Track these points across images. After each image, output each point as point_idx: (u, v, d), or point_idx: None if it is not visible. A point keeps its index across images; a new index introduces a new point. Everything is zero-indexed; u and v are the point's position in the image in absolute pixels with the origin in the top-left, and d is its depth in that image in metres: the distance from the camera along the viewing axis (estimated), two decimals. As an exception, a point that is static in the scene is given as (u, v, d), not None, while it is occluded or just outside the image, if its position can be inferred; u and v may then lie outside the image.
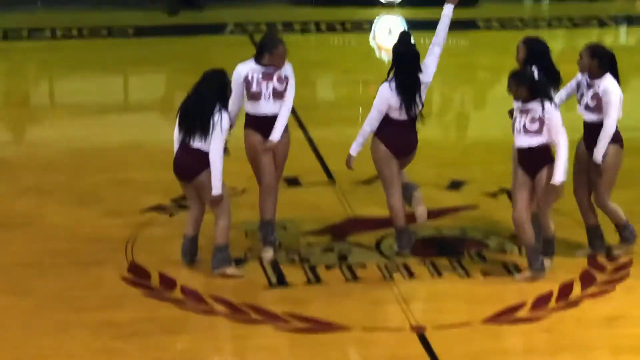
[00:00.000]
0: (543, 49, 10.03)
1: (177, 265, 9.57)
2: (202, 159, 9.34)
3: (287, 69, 9.79)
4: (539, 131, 9.28)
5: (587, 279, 9.43)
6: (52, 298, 9.07)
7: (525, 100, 9.32)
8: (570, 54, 15.93)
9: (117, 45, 15.73)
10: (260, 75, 9.72)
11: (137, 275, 9.44)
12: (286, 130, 9.84)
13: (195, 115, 9.37)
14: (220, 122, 9.27)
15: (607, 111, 9.71)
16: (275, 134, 9.70)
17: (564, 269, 9.57)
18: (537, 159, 9.33)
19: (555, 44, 16.53)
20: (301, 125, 12.62)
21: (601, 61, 9.75)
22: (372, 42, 14.84)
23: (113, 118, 13.04)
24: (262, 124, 9.68)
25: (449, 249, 9.96)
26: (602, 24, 17.09)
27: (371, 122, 9.79)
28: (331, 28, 16.54)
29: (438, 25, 10.11)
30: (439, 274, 9.53)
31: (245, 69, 9.77)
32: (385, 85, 9.71)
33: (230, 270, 9.50)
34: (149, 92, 13.90)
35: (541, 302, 9.08)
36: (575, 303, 9.09)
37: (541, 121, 9.27)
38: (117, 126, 12.79)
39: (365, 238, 10.12)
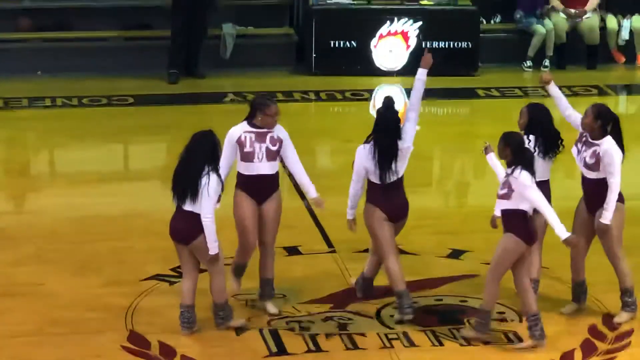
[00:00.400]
0: (544, 116, 10.19)
1: (177, 333, 9.60)
2: (197, 221, 9.43)
3: (281, 131, 9.93)
4: (507, 196, 9.45)
5: (588, 348, 9.47)
6: (52, 367, 9.14)
7: (509, 163, 9.47)
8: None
9: (117, 113, 15.76)
10: (254, 136, 9.82)
11: (137, 344, 9.46)
12: (278, 191, 9.96)
13: (185, 178, 9.48)
14: (208, 184, 9.34)
15: (611, 171, 9.88)
16: (311, 191, 10.04)
17: (564, 337, 9.61)
18: (504, 223, 9.45)
19: (555, 112, 16.57)
20: (301, 194, 12.64)
21: (604, 124, 9.88)
22: (371, 111, 14.91)
23: (113, 187, 13.07)
24: (254, 184, 9.77)
25: (449, 317, 9.97)
26: (601, 92, 17.17)
27: (353, 184, 9.97)
28: (331, 96, 16.61)
29: (412, 90, 10.21)
30: (440, 343, 9.55)
31: (238, 131, 9.91)
32: (361, 147, 9.88)
33: (234, 322, 9.62)
34: (149, 160, 13.94)
35: (542, 371, 9.14)
36: (576, 372, 9.16)
37: (509, 187, 9.41)
38: (117, 195, 12.81)
39: (365, 307, 10.12)
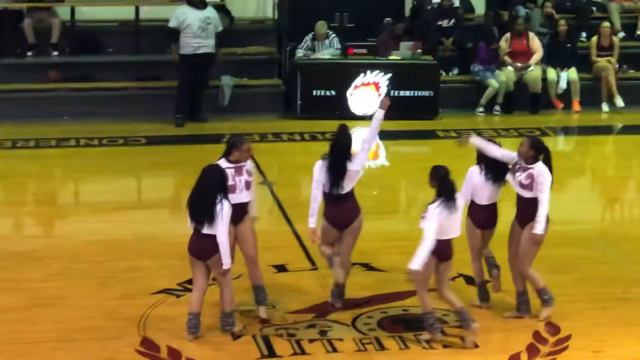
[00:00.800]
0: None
1: (183, 339, 9.58)
2: (214, 242, 9.45)
3: (249, 164, 10.02)
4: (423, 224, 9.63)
5: (532, 351, 9.45)
6: (76, 368, 9.13)
7: (435, 192, 9.64)
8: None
9: (132, 152, 15.78)
10: (233, 171, 9.85)
11: (149, 348, 9.44)
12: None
13: (202, 207, 9.48)
14: (222, 210, 9.39)
15: (543, 190, 9.85)
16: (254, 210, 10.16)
17: (513, 341, 9.61)
18: None
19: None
20: (288, 221, 12.66)
21: (537, 153, 9.93)
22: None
23: (128, 214, 13.07)
24: (235, 212, 9.73)
25: (414, 325, 9.94)
26: (543, 133, 17.20)
27: (312, 192, 10.11)
28: (313, 137, 16.64)
29: (370, 126, 10.23)
30: (406, 346, 9.55)
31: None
32: (319, 162, 10.06)
33: (236, 329, 9.67)
34: (158, 192, 13.95)
35: (493, 370, 9.15)
36: (522, 371, 9.16)
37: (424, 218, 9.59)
38: (131, 221, 12.81)
39: (343, 316, 10.10)
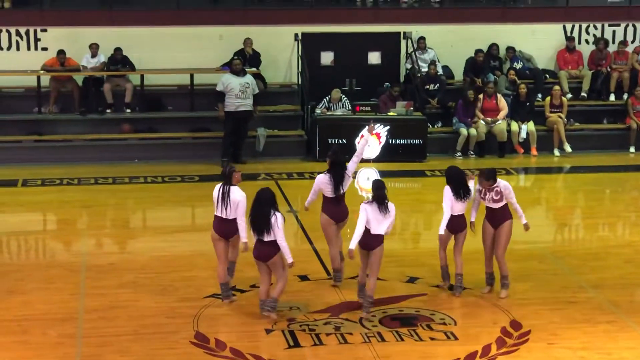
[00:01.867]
0: (455, 173, 10.93)
1: (227, 333, 9.64)
2: (273, 246, 9.74)
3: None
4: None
5: (500, 343, 9.44)
6: (144, 356, 9.13)
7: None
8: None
9: (187, 187, 15.75)
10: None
11: (200, 340, 9.48)
12: None
13: (261, 221, 9.78)
14: (277, 221, 9.77)
15: (512, 196, 10.68)
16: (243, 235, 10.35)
17: (484, 335, 9.60)
18: None
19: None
20: (309, 241, 12.67)
21: (492, 179, 10.59)
22: (355, 185, 14.86)
23: (184, 235, 13.09)
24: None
25: (407, 322, 9.96)
26: (508, 172, 17.19)
27: (310, 196, 11.10)
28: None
29: (360, 143, 11.60)
30: (401, 339, 9.55)
31: (217, 188, 10.48)
32: (321, 175, 10.97)
33: (274, 315, 9.93)
34: (208, 218, 13.88)
35: (470, 358, 9.13)
36: (492, 359, 9.11)
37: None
38: (187, 241, 12.82)
39: (352, 315, 10.11)
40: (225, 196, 10.26)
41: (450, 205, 10.71)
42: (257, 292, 10.46)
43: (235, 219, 10.21)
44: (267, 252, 9.80)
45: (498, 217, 10.61)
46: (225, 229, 10.31)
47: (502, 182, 10.62)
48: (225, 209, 10.26)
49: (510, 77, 18.95)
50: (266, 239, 9.76)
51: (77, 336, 9.51)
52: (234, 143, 17.28)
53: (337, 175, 10.86)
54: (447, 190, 10.75)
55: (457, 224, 10.74)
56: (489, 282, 10.82)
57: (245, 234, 10.17)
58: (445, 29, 19.50)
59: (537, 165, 17.91)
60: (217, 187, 10.42)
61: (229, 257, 10.55)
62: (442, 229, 10.76)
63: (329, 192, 10.89)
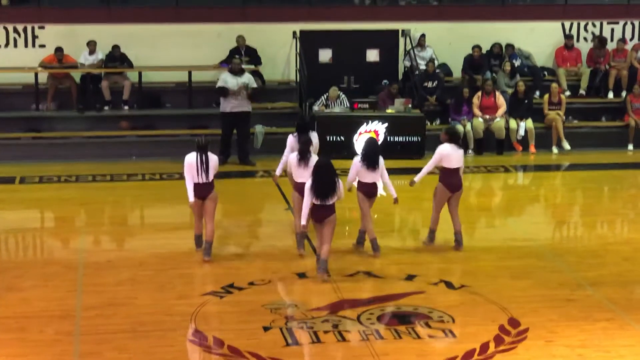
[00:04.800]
0: (368, 145, 12.01)
1: (225, 330, 9.60)
2: (333, 208, 11.04)
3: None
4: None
5: (498, 340, 9.42)
6: (142, 353, 9.10)
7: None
8: (486, 190, 16.11)
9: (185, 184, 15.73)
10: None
11: (198, 337, 9.46)
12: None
13: (329, 187, 10.95)
14: (339, 185, 11.06)
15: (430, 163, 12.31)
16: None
17: (482, 333, 9.57)
18: None
19: (476, 184, 16.62)
20: (308, 238, 12.64)
21: (450, 138, 12.10)
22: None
23: (182, 233, 13.02)
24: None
25: (406, 319, 9.95)
26: (506, 170, 17.21)
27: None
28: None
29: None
30: (400, 336, 9.53)
31: (192, 157, 11.62)
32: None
33: (325, 277, 10.92)
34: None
35: (468, 355, 9.08)
36: (490, 357, 9.09)
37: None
38: (184, 238, 12.75)
39: (350, 313, 10.10)
40: (204, 163, 11.57)
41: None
42: (254, 289, 10.52)
43: (212, 181, 11.67)
44: (328, 213, 10.99)
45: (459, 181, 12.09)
46: (205, 192, 11.65)
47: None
48: (206, 174, 11.58)
49: (506, 69, 18.96)
50: (329, 202, 10.96)
51: (74, 333, 9.50)
52: (238, 145, 17.17)
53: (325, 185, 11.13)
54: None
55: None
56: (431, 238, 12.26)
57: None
58: (444, 27, 19.52)
59: (535, 163, 17.92)
60: (194, 156, 11.63)
61: (206, 239, 11.69)
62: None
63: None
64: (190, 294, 10.68)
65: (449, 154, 11.98)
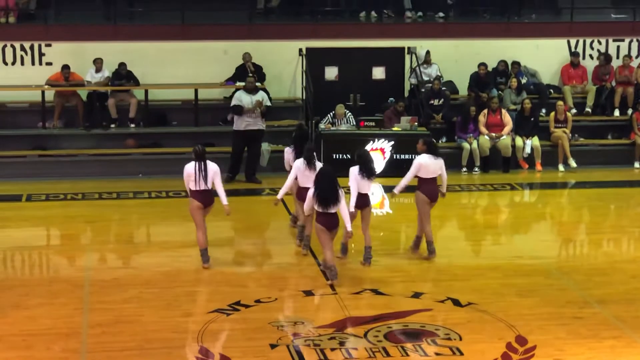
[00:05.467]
0: (365, 157, 12.33)
1: (232, 348, 9.60)
2: (338, 218, 11.38)
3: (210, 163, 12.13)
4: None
5: (506, 358, 9.41)
6: (148, 370, 9.13)
7: None
8: (493, 208, 16.10)
9: (192, 202, 15.74)
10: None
11: (205, 355, 9.45)
12: None
13: (331, 196, 11.25)
14: (343, 195, 11.36)
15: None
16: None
17: (489, 350, 9.56)
18: None
19: (482, 201, 16.63)
20: (314, 256, 12.66)
21: (428, 148, 12.53)
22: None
23: (189, 251, 13.03)
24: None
25: (412, 337, 9.95)
26: (512, 188, 17.21)
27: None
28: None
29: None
30: (407, 354, 9.53)
31: (191, 166, 11.96)
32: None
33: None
34: (212, 233, 13.89)
35: (475, 373, 9.10)
36: (497, 374, 9.12)
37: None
38: (191, 256, 12.77)
39: (357, 330, 10.09)
40: (202, 171, 11.91)
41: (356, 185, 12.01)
42: (261, 307, 10.56)
43: (211, 189, 12.00)
44: (335, 222, 11.35)
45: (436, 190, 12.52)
46: (207, 199, 12.05)
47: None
48: (205, 181, 11.92)
49: (513, 86, 19.00)
50: (332, 211, 11.26)
51: (81, 351, 9.51)
52: (247, 162, 17.21)
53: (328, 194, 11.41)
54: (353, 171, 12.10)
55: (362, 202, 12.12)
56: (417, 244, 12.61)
57: (225, 198, 12.16)
58: (450, 44, 19.57)
59: (541, 181, 17.93)
60: (192, 166, 11.96)
61: (203, 244, 12.11)
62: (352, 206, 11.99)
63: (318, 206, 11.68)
64: (197, 312, 10.70)
65: (427, 164, 12.38)
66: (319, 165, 12.23)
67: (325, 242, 11.38)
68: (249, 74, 17.58)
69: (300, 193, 12.35)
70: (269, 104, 17.16)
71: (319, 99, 18.35)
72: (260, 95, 17.01)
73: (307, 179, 12.06)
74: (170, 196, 16.23)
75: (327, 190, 11.27)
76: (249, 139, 16.96)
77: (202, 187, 11.96)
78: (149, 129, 18.31)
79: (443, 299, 11.05)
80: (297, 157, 12.69)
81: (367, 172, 12.04)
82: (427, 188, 12.44)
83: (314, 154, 12.44)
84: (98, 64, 18.13)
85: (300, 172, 12.31)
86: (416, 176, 12.52)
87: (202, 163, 11.97)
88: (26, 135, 18.04)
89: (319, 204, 11.28)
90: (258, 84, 18.12)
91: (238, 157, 17.12)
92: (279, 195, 12.64)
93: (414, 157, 17.62)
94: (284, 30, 19.27)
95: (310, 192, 11.42)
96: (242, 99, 16.91)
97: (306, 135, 13.35)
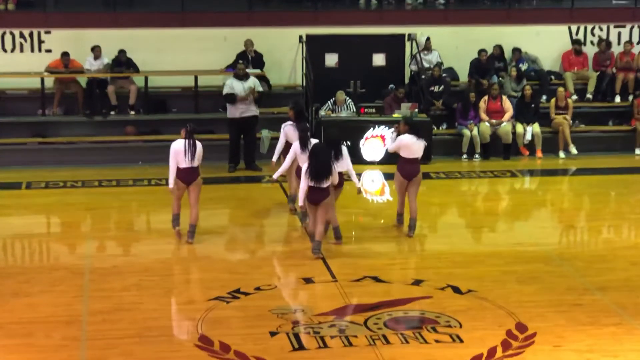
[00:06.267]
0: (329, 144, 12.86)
1: (231, 335, 9.59)
2: (328, 191, 11.85)
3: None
4: None
5: (505, 345, 9.42)
6: (148, 359, 9.12)
7: None
8: (493, 195, 16.11)
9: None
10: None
11: (205, 343, 9.45)
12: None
13: (325, 171, 11.72)
14: (335, 169, 11.89)
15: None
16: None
17: (489, 338, 9.57)
18: None
19: (483, 188, 16.62)
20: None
21: (410, 128, 12.79)
22: (360, 188, 14.78)
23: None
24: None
25: (413, 324, 9.96)
26: (513, 175, 17.20)
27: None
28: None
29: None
30: (407, 341, 9.53)
31: (180, 144, 12.41)
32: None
33: (319, 256, 11.74)
34: (212, 221, 13.92)
35: (475, 360, 9.11)
36: (497, 361, 9.12)
37: None
38: (191, 244, 12.76)
39: (357, 317, 10.09)
40: (191, 148, 12.31)
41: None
42: (261, 294, 10.58)
43: (197, 167, 12.39)
44: (323, 196, 11.72)
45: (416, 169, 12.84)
46: (190, 176, 12.40)
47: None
48: (192, 159, 12.31)
49: (513, 74, 18.97)
50: (324, 185, 11.65)
51: (81, 339, 9.52)
52: (245, 150, 17.18)
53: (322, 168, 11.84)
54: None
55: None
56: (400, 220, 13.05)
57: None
58: (450, 31, 19.52)
59: (542, 167, 17.91)
60: (181, 142, 12.38)
61: (191, 222, 12.53)
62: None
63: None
64: (197, 299, 10.69)
65: (408, 144, 12.70)
66: (313, 142, 12.60)
67: (314, 216, 11.88)
68: (239, 61, 17.47)
69: (298, 170, 12.65)
70: (261, 89, 17.07)
71: (319, 85, 18.31)
72: (252, 82, 16.93)
73: (304, 159, 12.33)
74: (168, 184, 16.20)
75: (320, 165, 11.65)
76: (245, 126, 16.90)
77: (189, 164, 12.33)
78: (148, 116, 18.28)
79: (443, 286, 11.05)
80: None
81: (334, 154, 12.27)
82: (406, 167, 12.76)
83: (308, 134, 12.88)
84: (96, 51, 18.08)
85: (299, 154, 12.64)
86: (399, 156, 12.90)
87: (192, 140, 12.37)
88: (26, 122, 18.02)
89: (311, 177, 11.64)
90: (258, 70, 18.09)
91: (236, 145, 17.08)
92: (275, 175, 13.16)
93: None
94: (284, 17, 19.22)
95: (304, 168, 11.85)
96: (234, 86, 16.84)
97: (302, 112, 13.90)
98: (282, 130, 13.81)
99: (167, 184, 12.92)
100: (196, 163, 12.42)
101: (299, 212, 13.08)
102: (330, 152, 11.94)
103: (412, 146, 12.68)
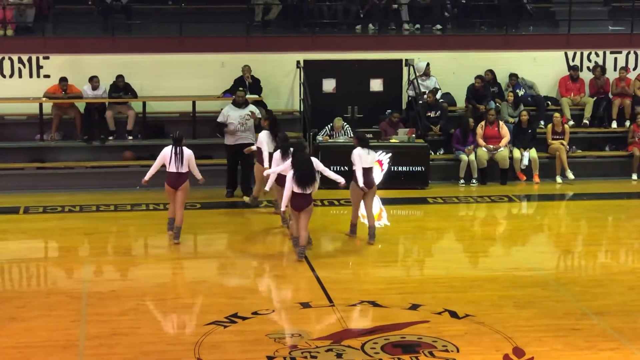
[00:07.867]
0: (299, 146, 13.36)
1: (229, 359, 9.61)
2: (311, 198, 12.57)
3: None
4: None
5: (502, 370, 9.44)
6: (145, 383, 9.12)
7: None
8: (491, 219, 16.12)
9: (189, 214, 15.55)
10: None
11: (202, 367, 9.46)
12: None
13: (309, 179, 12.45)
14: (318, 177, 12.66)
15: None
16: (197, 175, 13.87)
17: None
18: None
19: (480, 213, 16.63)
20: (312, 269, 12.67)
21: (358, 141, 13.75)
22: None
23: (186, 263, 13.08)
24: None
25: (410, 349, 9.95)
26: (510, 199, 17.23)
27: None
28: (331, 203, 16.67)
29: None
30: (404, 366, 9.54)
31: (168, 150, 13.45)
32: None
33: (302, 260, 12.56)
34: (210, 246, 13.95)
35: (472, 385, 9.09)
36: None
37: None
38: (188, 268, 12.82)
39: (354, 342, 10.09)
40: (178, 154, 13.23)
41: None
42: (258, 319, 10.58)
43: (185, 172, 13.28)
44: (307, 203, 12.52)
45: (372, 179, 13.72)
46: (178, 181, 13.35)
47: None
48: (181, 165, 13.25)
49: (510, 99, 19.05)
50: (308, 191, 12.39)
51: (78, 363, 9.52)
52: (242, 176, 17.15)
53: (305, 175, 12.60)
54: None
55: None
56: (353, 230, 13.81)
57: (199, 174, 13.59)
58: (447, 56, 19.63)
59: (539, 192, 17.94)
60: (169, 149, 13.33)
61: (177, 224, 13.52)
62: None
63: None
64: (194, 324, 10.70)
65: (360, 155, 13.63)
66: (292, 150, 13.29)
67: (298, 223, 12.62)
68: (239, 88, 17.44)
69: (280, 179, 13.35)
70: (259, 116, 17.05)
71: (317, 110, 18.39)
72: (250, 110, 16.88)
73: (286, 168, 13.08)
74: (167, 208, 16.13)
75: (305, 172, 12.41)
76: (240, 153, 16.83)
77: (178, 169, 13.27)
78: (146, 141, 18.32)
79: (440, 310, 11.04)
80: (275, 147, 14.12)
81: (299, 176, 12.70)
82: (364, 178, 13.57)
83: (289, 142, 13.61)
84: (94, 82, 18.09)
85: (278, 162, 13.51)
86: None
87: (179, 147, 13.27)
88: (24, 147, 18.07)
89: (297, 184, 12.37)
90: (255, 96, 18.14)
91: (233, 171, 17.06)
92: (267, 187, 13.90)
93: (413, 169, 17.96)
94: (281, 42, 19.33)
95: (290, 175, 12.50)
96: (230, 114, 16.80)
97: (276, 121, 15.00)
98: (258, 138, 15.00)
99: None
100: (184, 169, 13.27)
101: (287, 218, 13.90)
102: (311, 162, 12.69)
103: (364, 157, 13.63)
